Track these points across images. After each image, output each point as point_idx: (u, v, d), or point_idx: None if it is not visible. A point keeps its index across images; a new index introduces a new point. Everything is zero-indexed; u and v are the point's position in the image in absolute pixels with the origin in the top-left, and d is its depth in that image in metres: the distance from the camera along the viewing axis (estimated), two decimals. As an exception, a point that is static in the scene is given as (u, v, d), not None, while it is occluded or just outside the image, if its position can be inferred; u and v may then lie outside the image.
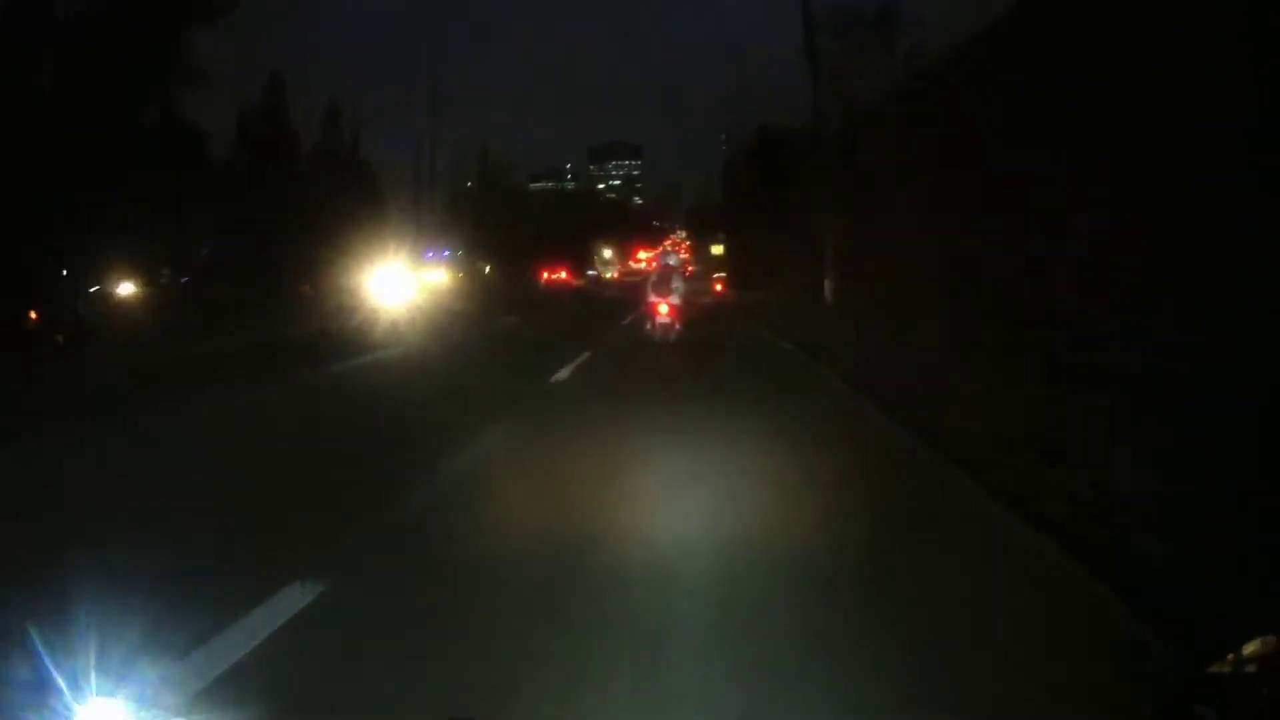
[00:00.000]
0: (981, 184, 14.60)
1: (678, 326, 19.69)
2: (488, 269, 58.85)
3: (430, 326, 22.62)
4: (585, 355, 15.11)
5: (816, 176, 33.30)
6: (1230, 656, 1.36)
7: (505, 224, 60.28)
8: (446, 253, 54.00)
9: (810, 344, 16.35)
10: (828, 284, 29.15)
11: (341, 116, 44.42)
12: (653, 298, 19.93)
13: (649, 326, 19.92)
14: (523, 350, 17.49)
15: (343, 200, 36.30)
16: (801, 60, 31.96)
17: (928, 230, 19.62)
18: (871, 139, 28.49)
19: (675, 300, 19.86)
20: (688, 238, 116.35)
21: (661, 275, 20.92)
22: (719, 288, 54.05)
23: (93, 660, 1.89)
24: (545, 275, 72.20)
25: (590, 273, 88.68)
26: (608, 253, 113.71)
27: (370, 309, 26.53)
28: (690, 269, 59.57)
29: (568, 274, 78.94)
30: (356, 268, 34.63)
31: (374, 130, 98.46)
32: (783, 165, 47.80)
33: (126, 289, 31.98)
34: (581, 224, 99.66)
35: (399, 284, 31.28)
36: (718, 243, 75.31)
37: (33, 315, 22.45)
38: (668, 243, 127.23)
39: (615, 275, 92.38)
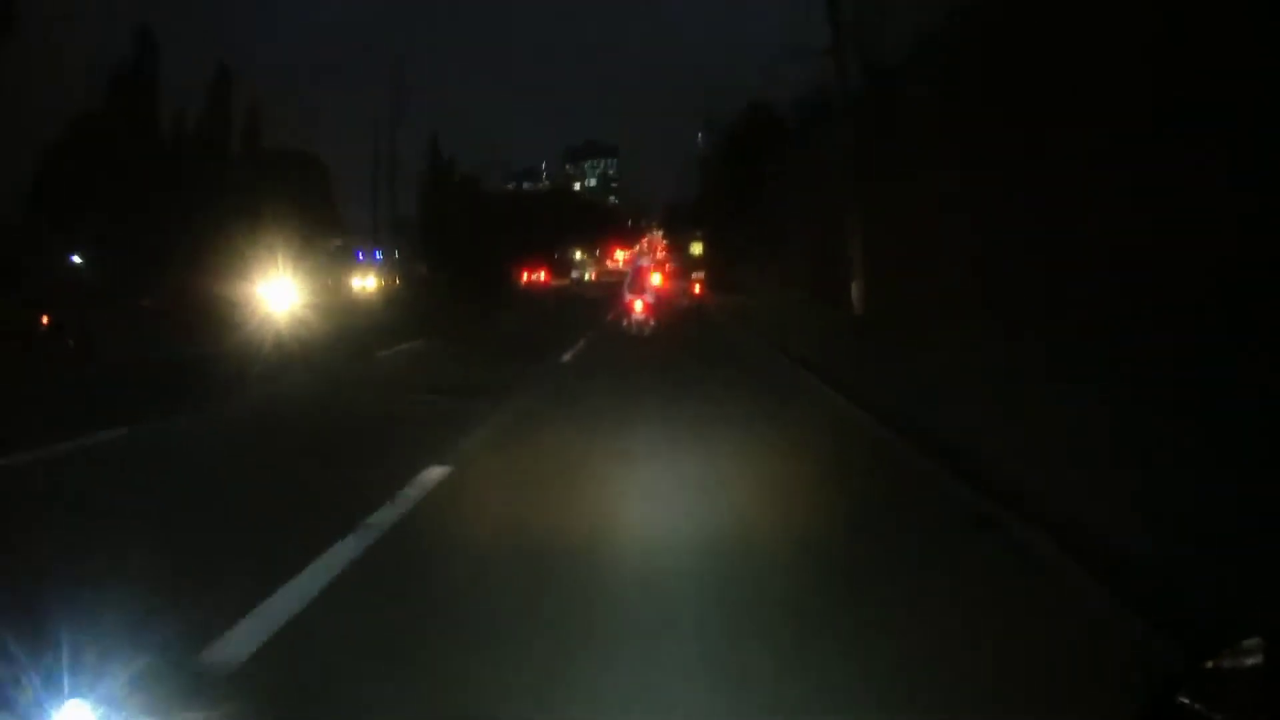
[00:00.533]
0: (1063, 154, 10.99)
1: (652, 322, 19.94)
2: (433, 271, 49.49)
3: (276, 366, 13.88)
4: (436, 473, 6.31)
5: (837, 150, 24.75)
6: (1221, 653, 1.30)
7: (463, 221, 51.37)
8: (378, 254, 44.94)
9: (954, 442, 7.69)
10: (856, 288, 20.54)
11: (232, 87, 34.38)
12: (629, 296, 20.51)
13: (625, 323, 20.26)
14: (346, 434, 8.45)
15: (231, 193, 27.37)
16: (792, 40, 24.22)
17: (992, 215, 14.29)
18: (905, 98, 19.96)
19: (650, 299, 20.48)
20: (665, 237, 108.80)
21: (636, 275, 21.61)
22: (697, 289, 46.47)
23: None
24: (525, 276, 69.16)
25: (574, 275, 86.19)
26: (579, 254, 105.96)
27: (238, 333, 17.85)
28: (669, 267, 51.56)
29: (547, 275, 75.74)
30: (241, 276, 25.84)
31: (334, 130, 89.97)
32: (775, 148, 39.30)
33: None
34: (556, 224, 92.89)
35: (280, 298, 22.62)
36: (696, 241, 67.21)
37: (44, 320, 20.94)
38: (644, 242, 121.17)
39: (593, 276, 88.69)
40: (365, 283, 41.25)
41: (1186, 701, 1.29)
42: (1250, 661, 1.27)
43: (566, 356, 14.58)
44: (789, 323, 19.73)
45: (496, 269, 58.35)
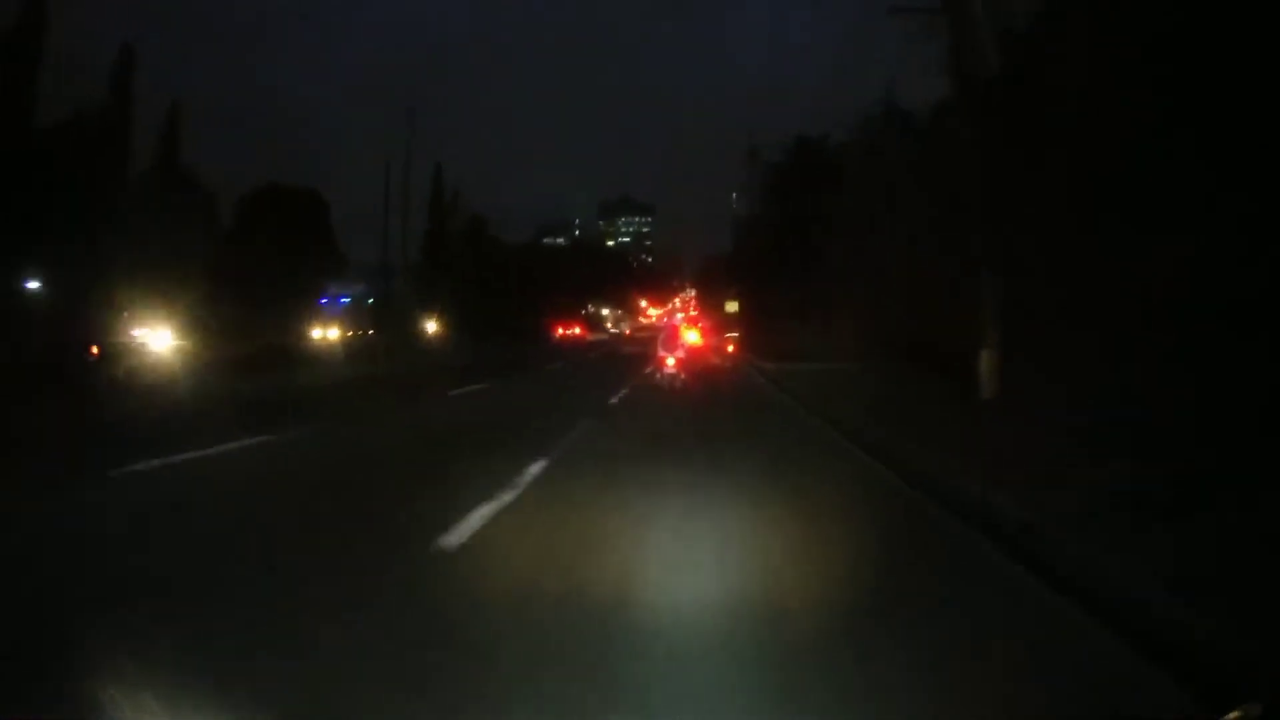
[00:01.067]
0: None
1: (683, 376, 19.95)
2: (433, 326, 42.16)
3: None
4: None
5: (930, 169, 17.75)
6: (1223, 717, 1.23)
7: (469, 265, 44.73)
8: (345, 299, 38.14)
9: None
10: (986, 360, 13.24)
11: (133, 78, 26.70)
12: (661, 352, 21.27)
13: (658, 376, 20.47)
14: None
15: (136, 221, 21.03)
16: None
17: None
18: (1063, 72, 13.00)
19: (681, 355, 21.21)
20: (697, 295, 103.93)
21: (669, 334, 23.01)
22: (731, 349, 39.59)
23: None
24: (560, 331, 68.15)
25: (612, 329, 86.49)
26: (605, 312, 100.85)
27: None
28: (703, 325, 45.51)
29: (582, 330, 75.57)
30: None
31: (362, 172, 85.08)
32: (828, 189, 32.34)
33: None
34: (587, 278, 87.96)
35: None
36: (731, 299, 60.73)
37: (94, 351, 20.14)
38: (676, 299, 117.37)
39: (627, 331, 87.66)
40: (328, 332, 34.46)
41: None
42: None
43: (454, 538, 5.79)
44: (888, 412, 12.39)
45: (512, 321, 51.72)
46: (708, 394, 18.27)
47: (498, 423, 13.13)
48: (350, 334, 35.31)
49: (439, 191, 46.53)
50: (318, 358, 26.89)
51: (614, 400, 16.62)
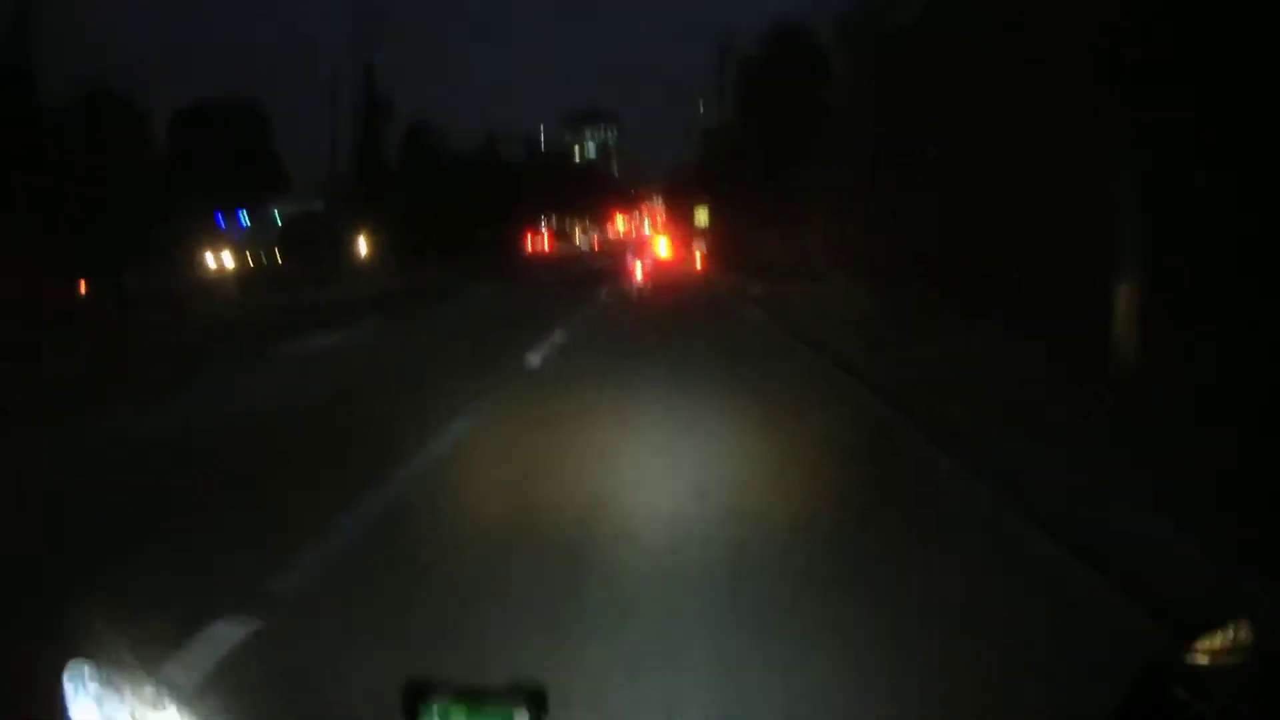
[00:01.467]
0: None
1: (649, 286, 20.67)
2: (365, 251, 36.29)
3: None
4: None
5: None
6: (1207, 639, 1.15)
7: (413, 179, 39.13)
8: (244, 218, 32.45)
9: None
10: (1124, 301, 8.38)
11: None
12: (631, 260, 21.77)
13: (627, 286, 20.75)
14: None
15: None
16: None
17: None
18: None
19: (649, 265, 22.17)
20: (665, 206, 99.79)
21: (637, 246, 24.93)
22: (699, 266, 33.02)
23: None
24: (529, 247, 67.16)
25: (580, 243, 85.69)
26: (569, 225, 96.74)
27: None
28: (670, 236, 41.32)
29: (551, 244, 75.39)
30: None
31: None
32: (819, 75, 27.18)
33: None
34: (551, 190, 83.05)
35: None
36: (701, 205, 55.15)
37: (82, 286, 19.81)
38: (642, 209, 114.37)
39: (595, 246, 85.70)
40: (224, 260, 28.76)
41: (1175, 688, 1.13)
42: (1236, 647, 1.13)
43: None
44: (982, 389, 7.51)
45: (464, 237, 46.26)
46: (685, 340, 12.52)
47: (293, 429, 7.17)
48: (253, 263, 29.42)
49: (371, 93, 40.25)
50: (184, 297, 21.29)
51: (535, 361, 10.39)
